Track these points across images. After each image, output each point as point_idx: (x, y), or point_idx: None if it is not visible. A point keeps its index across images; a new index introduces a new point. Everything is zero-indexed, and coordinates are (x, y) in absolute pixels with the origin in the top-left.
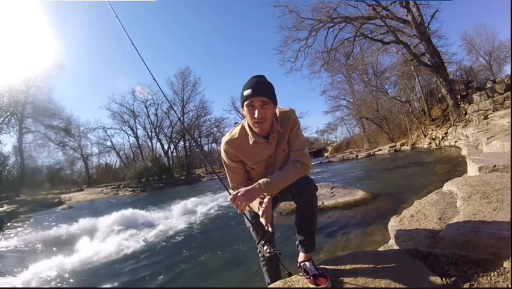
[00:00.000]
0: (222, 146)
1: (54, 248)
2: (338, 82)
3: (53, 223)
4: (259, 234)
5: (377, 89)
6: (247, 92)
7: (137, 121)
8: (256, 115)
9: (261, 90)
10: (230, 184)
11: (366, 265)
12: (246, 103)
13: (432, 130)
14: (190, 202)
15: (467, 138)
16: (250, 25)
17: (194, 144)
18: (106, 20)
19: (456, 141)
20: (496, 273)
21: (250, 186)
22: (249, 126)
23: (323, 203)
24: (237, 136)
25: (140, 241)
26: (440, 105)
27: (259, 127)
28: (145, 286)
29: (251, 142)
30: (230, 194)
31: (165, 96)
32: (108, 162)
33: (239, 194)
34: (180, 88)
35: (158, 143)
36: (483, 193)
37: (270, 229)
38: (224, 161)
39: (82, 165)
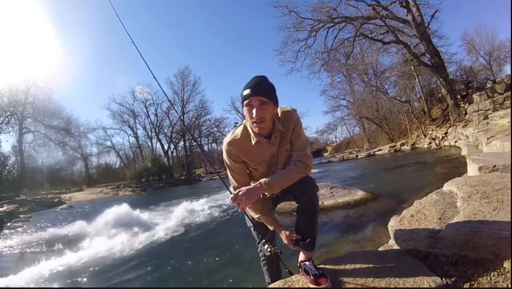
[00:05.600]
0: (224, 147)
1: (54, 248)
2: (338, 82)
3: (53, 223)
4: (260, 233)
5: (377, 89)
6: (246, 92)
7: (136, 121)
8: (254, 115)
9: (259, 90)
10: (232, 185)
11: (366, 265)
12: (245, 102)
13: (432, 130)
14: (189, 202)
15: (467, 138)
16: (250, 26)
17: (194, 143)
18: (106, 19)
19: (456, 141)
20: (496, 273)
21: (251, 186)
22: (251, 126)
23: (322, 203)
24: (239, 136)
25: (140, 241)
26: (440, 105)
27: (258, 127)
28: (144, 286)
29: (253, 143)
30: (231, 194)
31: (165, 93)
32: (108, 162)
33: (240, 193)
34: (180, 88)
35: (158, 143)
36: (483, 193)
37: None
38: (226, 162)
39: (82, 165)
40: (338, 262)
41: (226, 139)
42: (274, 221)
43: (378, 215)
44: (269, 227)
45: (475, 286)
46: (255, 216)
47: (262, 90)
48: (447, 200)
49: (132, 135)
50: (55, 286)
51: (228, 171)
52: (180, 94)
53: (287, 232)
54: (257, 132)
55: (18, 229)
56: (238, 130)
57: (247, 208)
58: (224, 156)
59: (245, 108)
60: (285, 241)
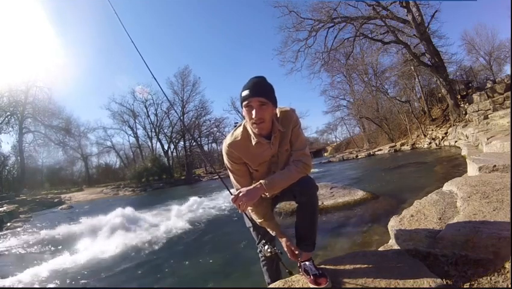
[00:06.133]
0: (224, 149)
1: (53, 248)
2: (338, 82)
3: (53, 223)
4: (260, 234)
5: (377, 89)
6: (245, 93)
7: (136, 121)
8: (253, 116)
9: (258, 90)
10: (234, 187)
11: (366, 265)
12: (244, 103)
13: (432, 130)
14: (189, 202)
15: (467, 138)
16: (250, 26)
17: (194, 143)
18: (106, 19)
19: (456, 141)
20: (496, 273)
21: (251, 186)
22: (251, 127)
23: (322, 203)
24: (239, 138)
25: (139, 241)
26: (440, 105)
27: (257, 127)
28: (144, 286)
29: (254, 143)
30: (231, 194)
31: (164, 94)
32: (108, 162)
33: (241, 194)
34: (180, 88)
35: (158, 143)
36: (483, 193)
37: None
38: (227, 165)
39: (82, 165)
40: (338, 262)
41: (226, 141)
42: (276, 227)
43: (378, 215)
44: (270, 232)
45: (475, 286)
46: (258, 221)
47: (261, 91)
48: (447, 200)
49: (132, 135)
50: (55, 286)
51: (230, 174)
52: (180, 94)
53: (288, 242)
54: (257, 132)
55: (18, 229)
56: (238, 132)
57: (250, 211)
58: (225, 158)
59: (244, 109)
60: (285, 249)
